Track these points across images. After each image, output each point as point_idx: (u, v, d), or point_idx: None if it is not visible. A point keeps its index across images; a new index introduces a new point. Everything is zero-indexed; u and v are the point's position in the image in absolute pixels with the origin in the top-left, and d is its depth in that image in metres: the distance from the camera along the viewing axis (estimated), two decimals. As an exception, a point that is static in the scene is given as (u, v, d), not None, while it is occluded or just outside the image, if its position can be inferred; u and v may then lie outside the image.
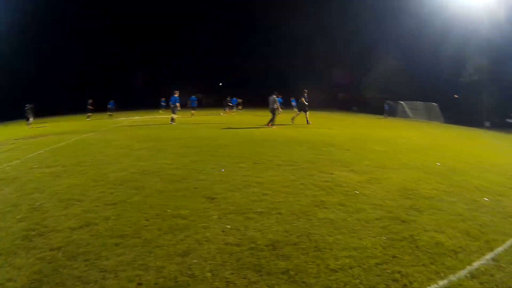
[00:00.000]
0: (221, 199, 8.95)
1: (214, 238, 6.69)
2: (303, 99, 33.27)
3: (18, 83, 64.99)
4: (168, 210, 8.09)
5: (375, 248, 6.40)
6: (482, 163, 15.60)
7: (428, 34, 67.18)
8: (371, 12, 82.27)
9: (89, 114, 43.79)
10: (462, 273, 5.65)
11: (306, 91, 33.64)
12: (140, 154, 14.92)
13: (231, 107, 54.23)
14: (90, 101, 44.69)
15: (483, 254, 6.34)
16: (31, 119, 36.36)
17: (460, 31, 60.55)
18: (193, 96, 45.36)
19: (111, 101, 47.78)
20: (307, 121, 32.71)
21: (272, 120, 29.08)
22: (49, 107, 57.76)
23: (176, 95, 32.43)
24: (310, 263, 5.78)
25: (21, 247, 6.21)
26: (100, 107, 47.19)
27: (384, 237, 6.93)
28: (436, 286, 5.26)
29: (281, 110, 31.77)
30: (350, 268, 5.65)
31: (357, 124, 36.96)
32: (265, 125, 28.95)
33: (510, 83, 58.01)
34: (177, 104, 32.51)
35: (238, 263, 5.74)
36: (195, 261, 5.78)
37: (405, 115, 62.02)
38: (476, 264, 5.95)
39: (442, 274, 5.59)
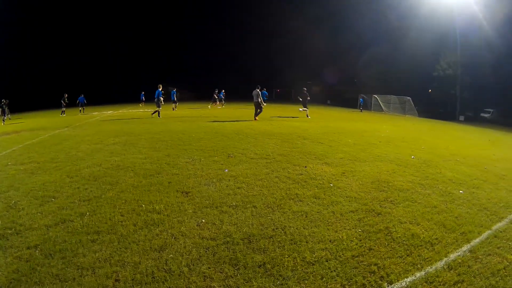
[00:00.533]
0: (196, 193, 9.00)
1: (190, 232, 6.71)
2: (304, 95, 34.84)
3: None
4: (143, 205, 8.09)
5: (351, 241, 6.50)
6: (456, 156, 15.76)
7: (405, 30, 67.99)
8: (352, 12, 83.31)
9: (63, 109, 41.92)
10: (439, 264, 5.78)
11: (306, 88, 35.55)
12: (114, 149, 14.81)
13: (220, 100, 53.78)
14: (65, 95, 43.32)
15: (460, 246, 6.48)
16: (7, 115, 35.47)
17: (436, 27, 61.37)
18: (173, 90, 44.82)
19: (81, 96, 46.00)
20: (300, 112, 35.27)
21: (257, 113, 29.79)
22: (24, 102, 56.98)
23: (159, 89, 32.20)
24: (286, 256, 5.85)
25: (-2, 246, 6.09)
26: (74, 102, 46.02)
27: (360, 229, 7.04)
28: (413, 277, 5.36)
29: (264, 104, 31.99)
30: (327, 261, 5.74)
31: (331, 117, 36.99)
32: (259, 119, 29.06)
33: (485, 78, 58.71)
34: (161, 98, 32.12)
35: (214, 257, 5.79)
36: (171, 256, 5.80)
37: (378, 109, 62.40)
38: (453, 255, 6.09)
39: (419, 266, 5.71)
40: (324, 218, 7.53)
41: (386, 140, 19.58)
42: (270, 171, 11.33)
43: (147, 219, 7.28)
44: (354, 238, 6.60)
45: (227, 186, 9.62)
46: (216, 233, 6.66)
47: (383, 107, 62.08)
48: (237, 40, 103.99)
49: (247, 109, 34.51)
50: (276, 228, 6.95)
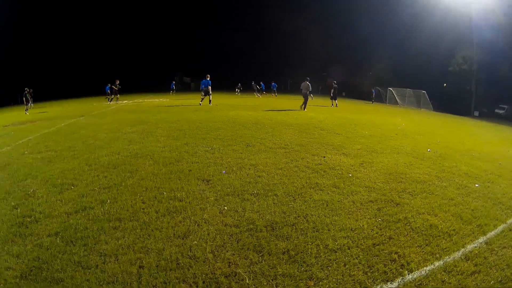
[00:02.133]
0: (216, 181, 9.05)
1: (212, 219, 6.75)
2: (335, 89, 38.15)
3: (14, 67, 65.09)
4: (164, 193, 8.13)
5: (372, 230, 6.57)
6: (471, 150, 15.71)
7: (421, 24, 67.71)
8: (368, 4, 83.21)
9: (117, 96, 42.46)
10: (457, 254, 5.85)
11: (335, 82, 38.65)
12: (132, 138, 14.74)
13: (259, 91, 56.66)
14: (116, 81, 42.42)
15: (476, 238, 6.54)
16: (30, 104, 35.15)
17: (452, 22, 61.10)
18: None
19: (108, 86, 44.61)
20: (334, 105, 37.70)
21: (304, 103, 31.07)
22: (52, 90, 57.57)
23: (207, 78, 33.02)
24: (309, 243, 5.90)
25: (17, 235, 6.14)
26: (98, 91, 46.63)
27: (380, 218, 7.11)
28: (432, 266, 5.42)
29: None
30: (349, 248, 5.80)
31: (346, 108, 36.85)
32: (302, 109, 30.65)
33: (500, 74, 58.39)
34: (209, 87, 32.95)
35: (238, 244, 5.83)
36: (195, 242, 5.84)
37: (394, 102, 62.19)
38: (469, 247, 6.14)
39: (437, 255, 5.78)
40: (345, 207, 7.60)
41: (402, 133, 19.52)
42: (289, 161, 11.36)
43: (169, 206, 7.32)
44: (375, 227, 6.67)
45: (247, 175, 9.67)
46: (239, 220, 6.71)
47: (398, 100, 61.83)
48: (253, 35, 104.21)
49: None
50: (298, 216, 7.00)
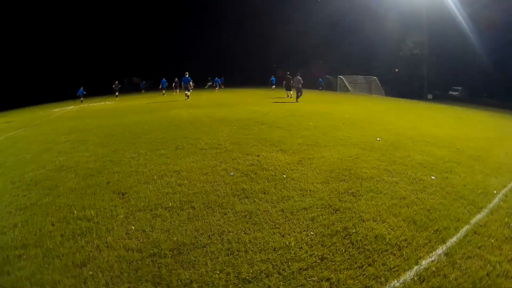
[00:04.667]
0: (132, 194, 8.44)
1: (116, 243, 6.10)
2: (288, 80, 38.87)
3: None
4: (75, 211, 7.50)
5: (300, 248, 5.73)
6: (425, 136, 15.52)
7: (369, 10, 68.68)
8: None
9: (116, 94, 51.85)
10: (408, 275, 4.99)
11: (288, 72, 40.18)
12: (62, 148, 14.15)
13: (215, 86, 60.93)
14: (116, 82, 52.16)
15: (433, 248, 5.73)
16: None
17: (401, 6, 62.24)
18: (163, 79, 52.79)
19: (80, 89, 48.64)
20: (289, 96, 39.25)
21: (297, 96, 35.22)
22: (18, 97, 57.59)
23: (186, 76, 39.75)
24: (218, 271, 5.15)
25: None
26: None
27: (312, 232, 6.29)
28: (374, 296, 4.62)
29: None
30: (267, 277, 5.00)
31: (293, 99, 36.69)
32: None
33: (452, 57, 60.06)
34: (191, 84, 40.11)
35: (136, 274, 5.17)
36: (91, 273, 5.22)
37: (345, 89, 63.49)
38: (425, 262, 5.32)
39: (383, 279, 4.90)
40: (271, 219, 6.84)
41: (350, 121, 19.42)
42: (218, 163, 10.87)
43: (76, 228, 6.70)
44: (304, 244, 5.83)
45: (167, 184, 9.07)
46: (144, 243, 6.03)
47: (349, 87, 63.29)
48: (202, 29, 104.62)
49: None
50: (213, 235, 6.26)
